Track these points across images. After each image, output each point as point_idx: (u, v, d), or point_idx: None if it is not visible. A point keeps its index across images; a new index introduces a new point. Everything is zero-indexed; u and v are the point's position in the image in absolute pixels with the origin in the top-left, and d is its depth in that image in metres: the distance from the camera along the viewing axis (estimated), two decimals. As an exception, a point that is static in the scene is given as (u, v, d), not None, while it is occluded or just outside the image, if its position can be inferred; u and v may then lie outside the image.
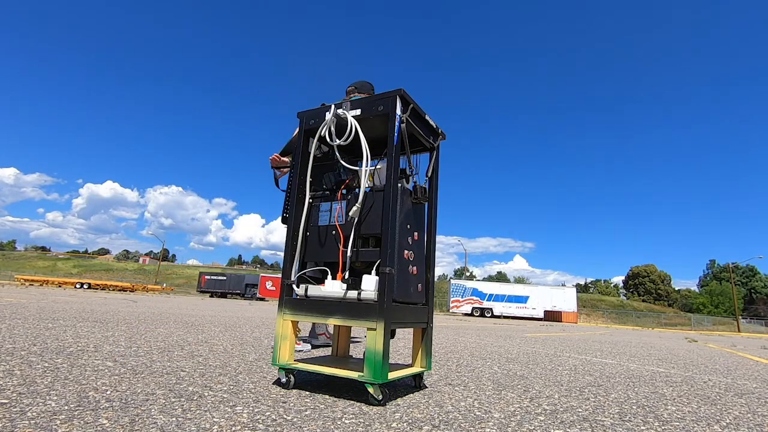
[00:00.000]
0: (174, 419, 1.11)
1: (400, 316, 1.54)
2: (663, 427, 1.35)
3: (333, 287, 1.57)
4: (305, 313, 1.60)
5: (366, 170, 1.63)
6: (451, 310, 34.19)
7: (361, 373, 1.43)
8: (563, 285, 51.30)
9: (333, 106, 1.69)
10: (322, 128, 1.71)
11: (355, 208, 1.59)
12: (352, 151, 1.87)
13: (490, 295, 34.07)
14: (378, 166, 1.72)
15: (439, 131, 1.91)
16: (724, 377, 2.73)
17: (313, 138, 1.79)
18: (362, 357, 1.97)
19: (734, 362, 3.95)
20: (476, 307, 33.73)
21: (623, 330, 17.29)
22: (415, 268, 1.66)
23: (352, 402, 1.41)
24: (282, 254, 1.74)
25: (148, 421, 1.08)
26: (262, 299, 39.05)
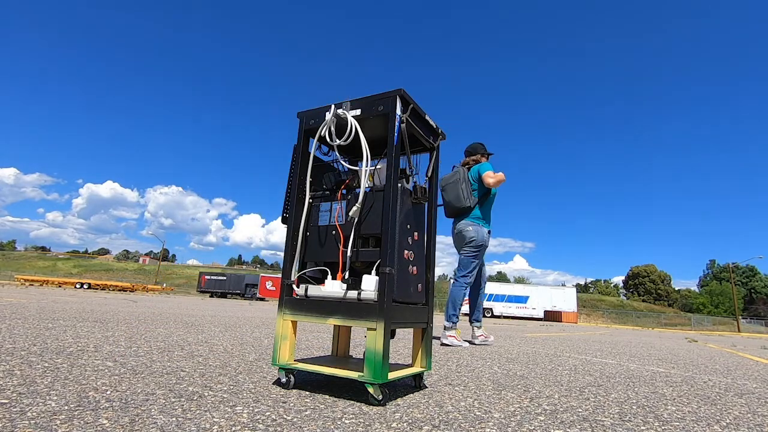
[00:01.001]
0: (174, 419, 1.11)
1: (400, 316, 1.54)
2: (663, 427, 1.35)
3: (333, 287, 1.57)
4: (305, 313, 1.60)
5: (366, 170, 1.63)
6: (451, 310, 34.13)
7: (361, 373, 1.43)
8: (563, 285, 51.25)
9: (333, 106, 1.69)
10: (322, 128, 1.71)
11: (355, 208, 1.58)
12: (353, 151, 1.87)
13: (490, 295, 34.03)
14: (378, 166, 1.72)
15: (439, 131, 1.91)
16: (724, 377, 2.73)
17: (313, 138, 1.79)
18: (362, 357, 1.97)
19: (734, 362, 3.95)
20: (476, 307, 33.67)
21: (623, 330, 17.28)
22: (415, 268, 1.66)
23: (352, 402, 1.41)
24: (282, 254, 1.75)
25: (148, 421, 1.08)
26: (262, 299, 39.05)
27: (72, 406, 1.17)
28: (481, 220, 3.79)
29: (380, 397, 1.39)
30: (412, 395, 1.58)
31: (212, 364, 1.99)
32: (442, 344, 3.64)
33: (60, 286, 32.49)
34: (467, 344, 3.78)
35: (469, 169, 3.84)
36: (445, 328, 3.74)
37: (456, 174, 3.74)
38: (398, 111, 1.59)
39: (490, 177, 3.64)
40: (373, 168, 1.71)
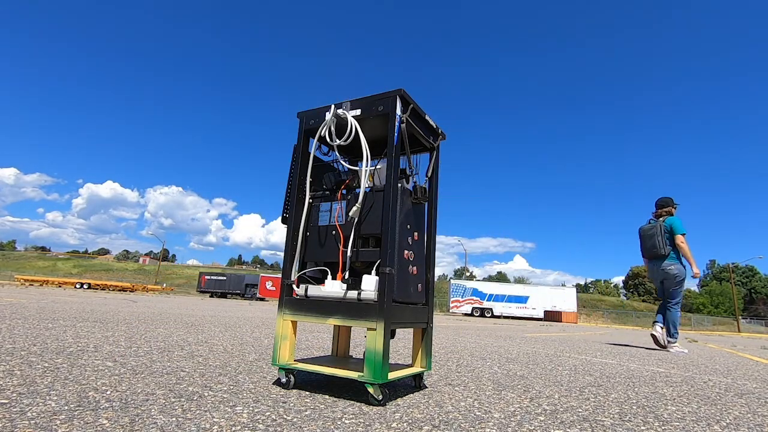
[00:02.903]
0: (174, 419, 1.11)
1: (400, 316, 1.54)
2: (663, 427, 1.35)
3: (333, 287, 1.57)
4: (305, 313, 1.60)
5: (366, 170, 1.63)
6: (451, 310, 34.17)
7: (361, 374, 1.43)
8: (563, 285, 51.26)
9: (333, 106, 1.69)
10: (322, 128, 1.71)
11: (355, 208, 1.58)
12: (353, 151, 1.87)
13: (490, 295, 34.03)
14: (378, 166, 1.72)
15: (439, 131, 1.91)
16: (724, 377, 2.73)
17: (313, 138, 1.79)
18: (362, 357, 1.97)
19: (734, 362, 3.95)
20: (476, 307, 33.69)
21: (623, 330, 17.27)
22: (415, 268, 1.66)
23: (352, 402, 1.41)
24: (282, 254, 1.75)
25: (148, 421, 1.08)
26: (262, 299, 39.05)
27: (72, 406, 1.17)
28: (677, 260, 4.98)
29: (380, 397, 1.39)
30: (412, 395, 1.58)
31: (212, 364, 1.99)
32: (672, 352, 4.77)
33: (60, 286, 32.50)
34: (687, 351, 4.95)
35: (663, 220, 5.02)
36: (670, 342, 4.91)
37: (653, 228, 5.04)
38: (398, 111, 1.59)
39: (682, 243, 4.90)
40: (373, 168, 1.71)
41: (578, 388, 1.96)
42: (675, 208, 5.11)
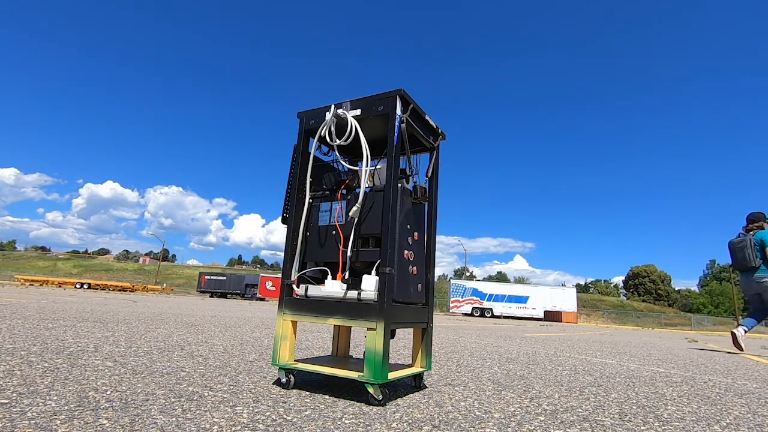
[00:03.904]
0: (174, 419, 1.11)
1: (400, 316, 1.54)
2: (663, 427, 1.35)
3: (333, 287, 1.57)
4: (305, 313, 1.60)
5: (366, 170, 1.63)
6: (451, 310, 34.17)
7: (361, 374, 1.43)
8: (563, 285, 51.24)
9: (333, 106, 1.69)
10: (322, 128, 1.71)
11: (355, 208, 1.58)
12: (353, 151, 1.87)
13: (490, 295, 34.02)
14: (378, 166, 1.72)
15: (439, 131, 1.91)
16: (724, 377, 2.73)
17: (313, 138, 1.79)
18: (362, 357, 1.97)
19: (734, 362, 3.95)
20: (476, 307, 33.68)
21: (623, 330, 17.28)
22: (415, 268, 1.66)
23: (352, 402, 1.41)
24: (282, 254, 1.75)
25: (148, 421, 1.08)
26: (262, 299, 39.06)
27: (72, 406, 1.17)
28: None
29: (380, 397, 1.39)
30: (412, 395, 1.59)
31: (212, 364, 1.99)
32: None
33: (60, 286, 32.50)
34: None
35: (753, 234, 5.20)
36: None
37: (743, 241, 5.25)
38: (398, 111, 1.59)
39: None
40: (373, 168, 1.71)
41: (578, 388, 1.96)
42: (767, 223, 5.31)
